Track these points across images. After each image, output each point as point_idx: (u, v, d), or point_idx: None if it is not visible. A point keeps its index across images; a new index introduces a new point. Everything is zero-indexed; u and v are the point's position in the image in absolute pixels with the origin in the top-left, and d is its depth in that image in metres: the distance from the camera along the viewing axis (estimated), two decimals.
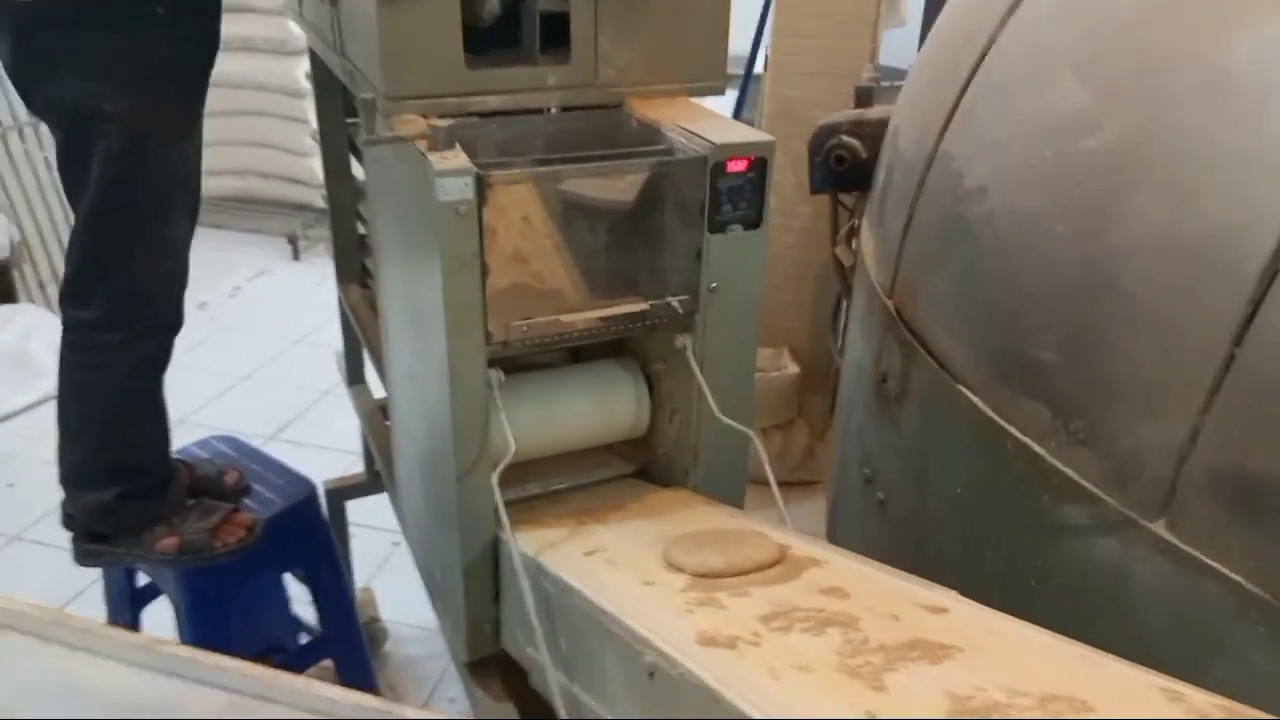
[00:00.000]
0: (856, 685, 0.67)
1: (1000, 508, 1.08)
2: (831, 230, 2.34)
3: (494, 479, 0.99)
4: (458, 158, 0.94)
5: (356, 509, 2.14)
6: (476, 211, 0.93)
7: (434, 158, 0.93)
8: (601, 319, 1.05)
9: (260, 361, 3.31)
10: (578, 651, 0.86)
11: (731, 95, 3.45)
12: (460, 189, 0.92)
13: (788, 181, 2.64)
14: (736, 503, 1.19)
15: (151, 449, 1.33)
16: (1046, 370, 0.99)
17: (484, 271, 0.96)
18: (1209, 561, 0.83)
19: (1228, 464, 0.82)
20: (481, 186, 0.93)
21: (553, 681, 0.86)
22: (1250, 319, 0.79)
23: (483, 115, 1.11)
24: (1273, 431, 0.79)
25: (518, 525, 1.06)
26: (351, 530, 2.21)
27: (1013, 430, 1.02)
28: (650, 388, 1.21)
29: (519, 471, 1.19)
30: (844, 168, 2.09)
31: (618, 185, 1.03)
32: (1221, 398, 0.82)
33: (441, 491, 1.11)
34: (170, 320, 1.30)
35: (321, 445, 2.77)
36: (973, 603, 0.83)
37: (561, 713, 0.85)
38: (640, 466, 1.26)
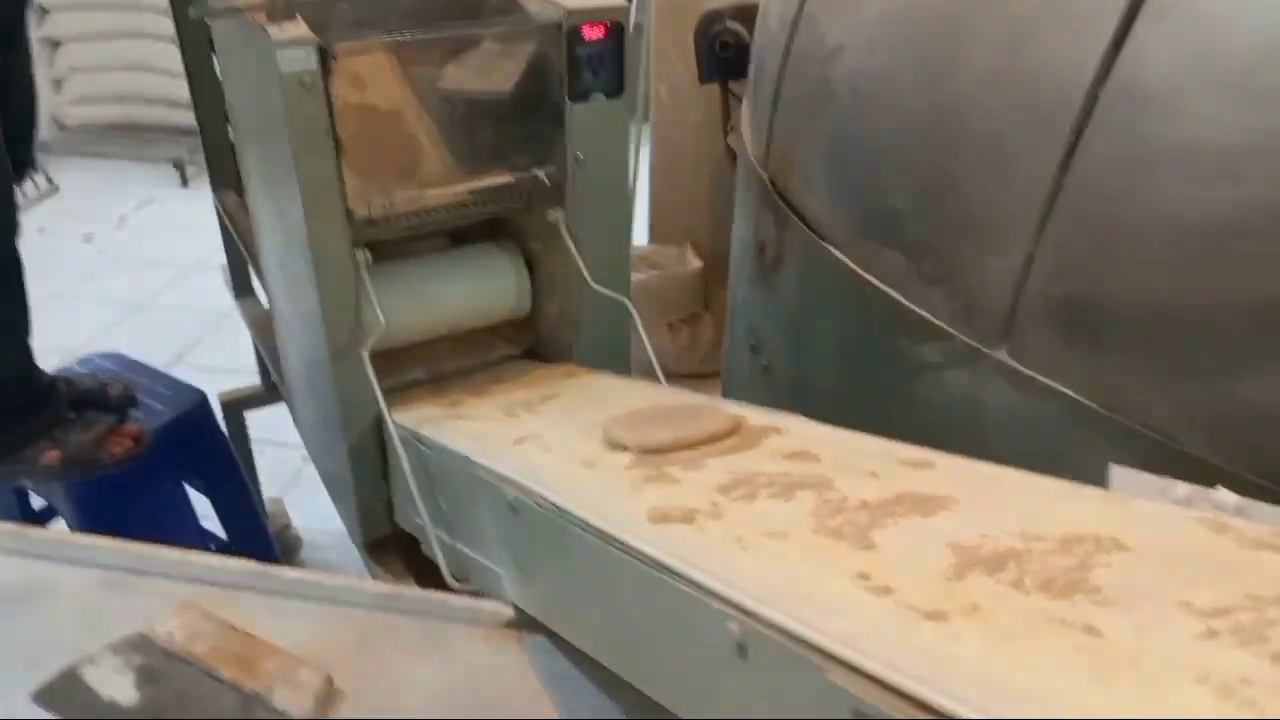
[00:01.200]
0: (840, 546, 0.56)
1: (866, 357, 1.13)
2: (723, 120, 2.35)
3: (364, 354, 0.99)
4: (298, 28, 0.91)
5: (265, 427, 2.13)
6: (322, 83, 0.91)
7: (272, 29, 0.90)
8: (470, 193, 1.05)
9: (153, 290, 3.20)
10: (458, 510, 0.89)
11: None
12: (302, 60, 0.90)
13: (681, 76, 2.62)
14: (621, 374, 1.22)
15: (13, 361, 1.29)
16: (901, 218, 1.03)
17: (338, 147, 0.94)
18: (1047, 382, 0.89)
19: (1058, 289, 0.87)
20: (325, 57, 0.91)
21: (433, 542, 0.89)
22: (1073, 147, 0.83)
23: None
24: (1095, 256, 0.84)
25: (406, 406, 1.08)
26: (262, 448, 2.20)
27: (873, 280, 1.06)
28: (531, 269, 1.22)
29: (404, 357, 1.20)
30: (729, 54, 2.09)
31: (476, 56, 1.02)
32: (1050, 226, 0.86)
33: (320, 378, 1.11)
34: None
35: (223, 368, 2.72)
36: (958, 456, 0.76)
37: (445, 571, 0.88)
38: (528, 346, 1.28)
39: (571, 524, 0.64)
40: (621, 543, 0.56)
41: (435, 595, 0.81)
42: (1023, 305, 0.90)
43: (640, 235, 2.99)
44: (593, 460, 0.77)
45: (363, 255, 1.01)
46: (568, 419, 0.98)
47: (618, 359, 1.22)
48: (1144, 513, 0.60)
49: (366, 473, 1.12)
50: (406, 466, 0.92)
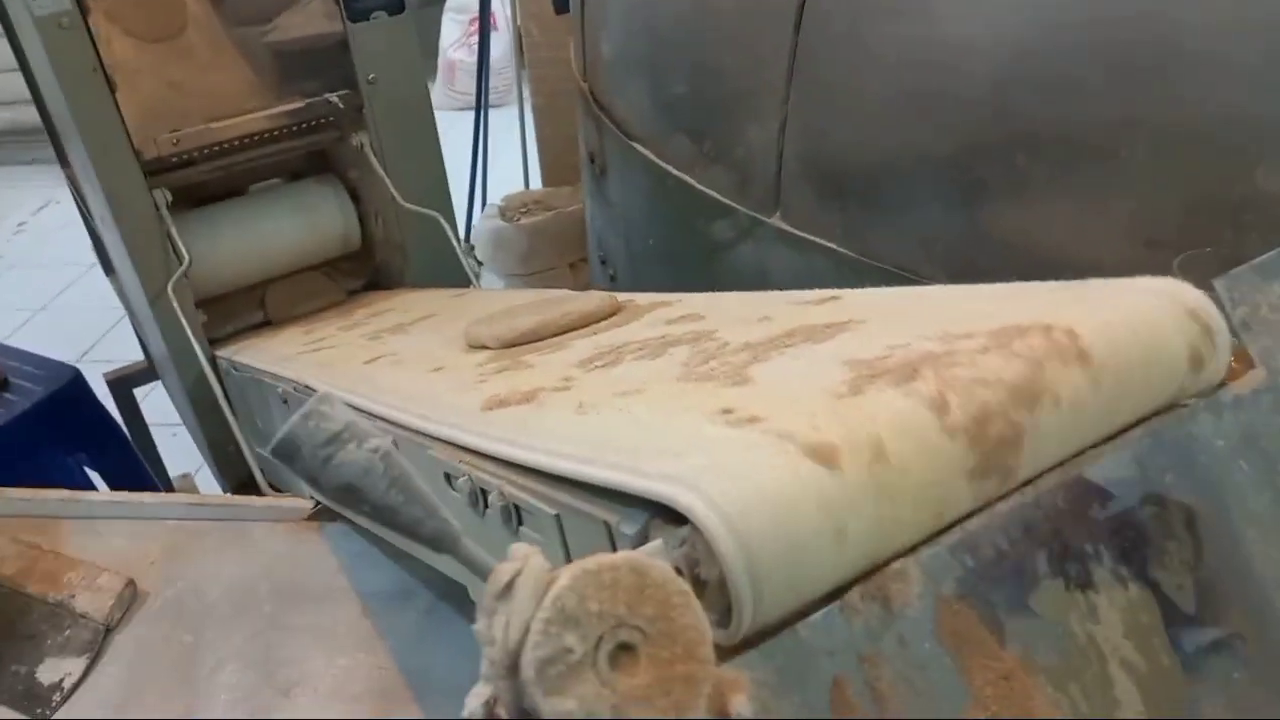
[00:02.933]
0: (706, 387, 0.46)
1: (678, 244, 1.18)
2: None
3: (169, 290, 1.02)
4: None
5: (172, 408, 2.14)
6: (82, 22, 0.92)
7: None
8: (262, 120, 1.07)
9: (55, 290, 3.17)
10: (266, 422, 0.93)
11: None
12: (54, 1, 0.91)
13: (549, 13, 2.62)
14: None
15: None
16: (681, 104, 1.07)
17: (111, 86, 0.96)
18: (814, 239, 0.94)
19: (808, 152, 0.92)
20: None
21: (247, 452, 0.92)
22: (800, 13, 0.87)
23: None
24: (830, 117, 0.89)
25: (264, 345, 1.09)
26: (172, 430, 2.22)
27: (669, 168, 1.10)
28: (357, 200, 1.24)
29: (245, 299, 1.22)
30: None
31: None
32: (793, 94, 0.91)
33: (149, 326, 1.14)
34: None
35: (131, 359, 2.72)
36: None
37: (260, 481, 0.92)
38: (367, 279, 1.31)
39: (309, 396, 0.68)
40: (357, 407, 0.60)
41: (239, 499, 0.85)
42: (785, 172, 0.95)
43: (536, 180, 3.01)
44: (444, 364, 0.71)
45: (160, 194, 1.03)
46: (435, 333, 0.92)
47: (452, 274, 1.25)
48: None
49: (208, 413, 1.15)
50: (217, 390, 0.95)
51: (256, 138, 1.07)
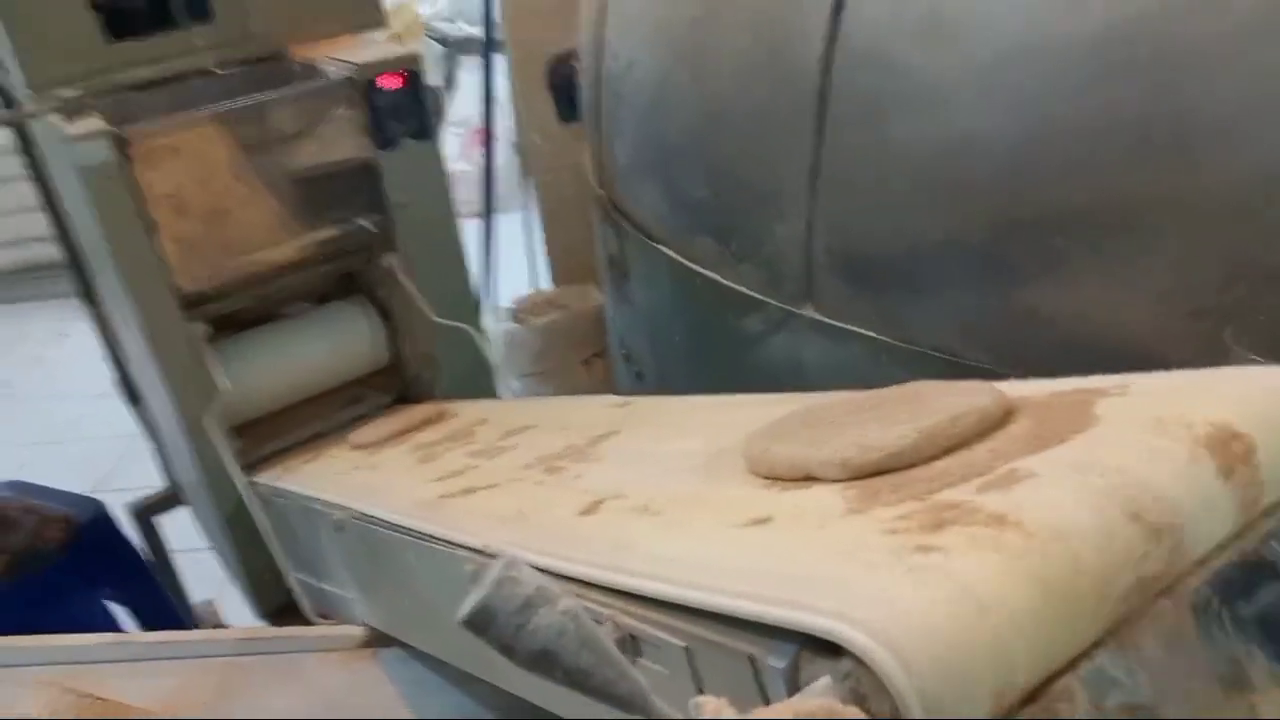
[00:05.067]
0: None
1: (706, 340, 1.19)
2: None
3: (209, 420, 1.02)
4: (92, 122, 0.96)
5: (193, 533, 2.12)
6: (122, 171, 0.95)
7: (68, 126, 0.95)
8: (295, 250, 1.09)
9: (70, 421, 3.18)
10: (312, 549, 0.91)
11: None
12: (98, 152, 0.94)
13: (550, 121, 2.70)
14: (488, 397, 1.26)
15: None
16: (704, 206, 1.09)
17: (151, 228, 0.98)
18: (848, 327, 0.95)
19: (838, 244, 0.93)
20: (122, 145, 0.95)
21: (291, 580, 0.91)
22: (822, 112, 0.90)
23: (139, 88, 1.13)
24: (857, 207, 0.91)
25: (296, 469, 1.09)
26: (192, 554, 2.19)
27: (696, 267, 1.12)
28: (387, 318, 1.26)
29: (280, 421, 1.23)
30: (578, 93, 2.17)
31: (282, 123, 1.06)
32: (819, 188, 0.93)
33: (184, 455, 1.14)
34: None
35: (143, 487, 2.70)
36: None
37: (306, 608, 0.91)
38: (399, 394, 1.31)
39: (374, 525, 0.67)
40: (389, 522, 0.59)
41: (288, 631, 0.83)
42: (815, 264, 0.97)
43: (546, 280, 3.05)
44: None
45: (199, 328, 1.05)
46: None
47: (482, 385, 1.26)
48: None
49: (245, 539, 1.14)
50: (258, 516, 0.94)
51: (291, 267, 1.09)
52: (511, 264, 3.16)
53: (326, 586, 0.89)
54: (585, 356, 2.91)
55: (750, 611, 0.29)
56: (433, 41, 3.74)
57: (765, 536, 0.37)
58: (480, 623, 0.28)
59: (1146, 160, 0.78)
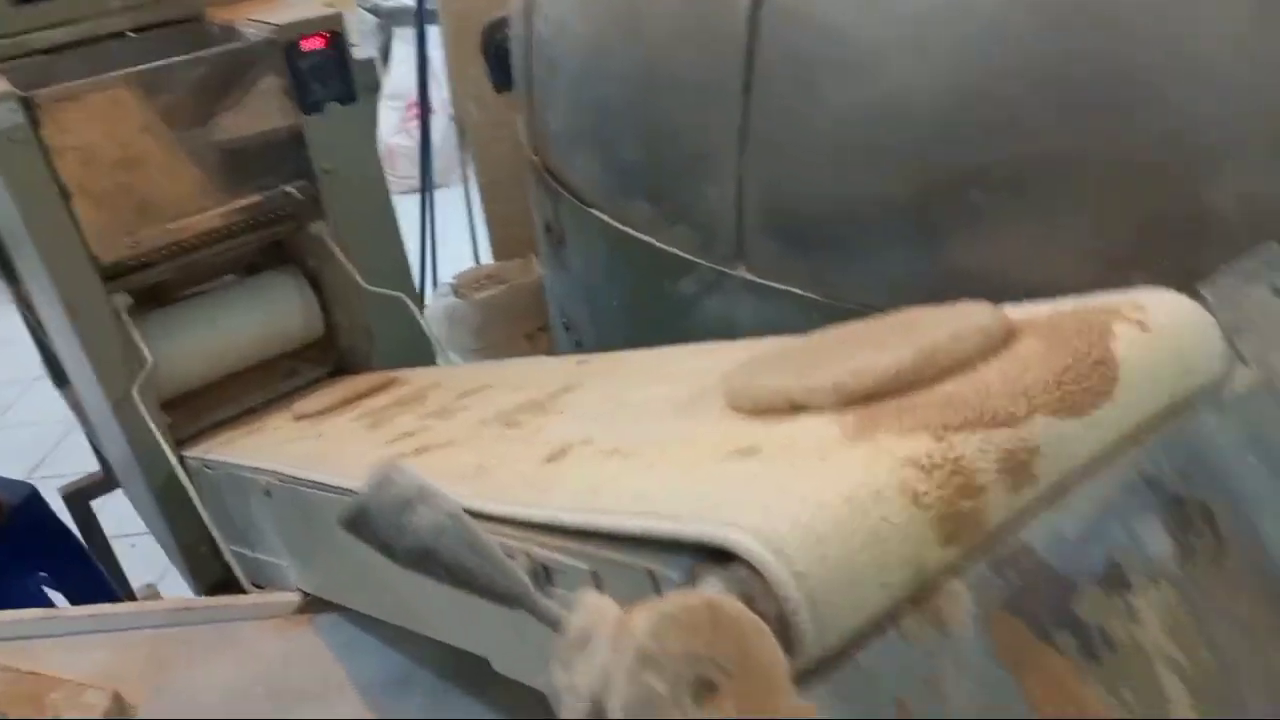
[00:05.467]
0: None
1: (643, 306, 1.19)
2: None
3: (134, 393, 1.00)
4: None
5: (133, 519, 2.08)
6: (33, 135, 0.92)
7: None
8: (218, 218, 1.07)
9: (3, 405, 3.09)
10: (245, 518, 0.90)
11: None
12: (6, 115, 0.91)
13: (486, 90, 2.67)
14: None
15: None
16: (637, 169, 1.09)
17: (65, 194, 0.95)
18: (779, 286, 0.96)
19: (767, 203, 0.94)
20: (30, 109, 0.92)
21: (227, 553, 0.90)
22: (749, 72, 0.90)
23: (50, 52, 1.09)
24: (786, 166, 0.91)
25: (229, 442, 1.07)
26: (130, 540, 2.15)
27: (631, 231, 1.12)
28: (318, 288, 1.24)
29: (214, 395, 1.20)
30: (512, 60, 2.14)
31: (198, 86, 1.04)
32: (748, 148, 0.93)
33: (114, 432, 1.11)
34: None
35: (82, 471, 2.64)
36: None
37: (243, 581, 0.90)
38: (335, 366, 1.30)
39: (302, 487, 0.67)
40: (315, 482, 0.59)
41: (222, 600, 0.83)
42: (746, 225, 0.97)
43: (485, 256, 3.02)
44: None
45: (121, 299, 1.02)
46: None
47: (419, 354, 1.25)
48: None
49: (179, 516, 1.12)
50: (190, 490, 0.93)
51: (215, 235, 1.07)
52: (453, 240, 3.12)
53: (261, 556, 0.88)
54: (528, 330, 2.90)
55: (642, 528, 0.29)
56: (365, 13, 3.67)
57: (751, 468, 0.34)
58: (359, 524, 0.28)
59: (1070, 118, 0.80)
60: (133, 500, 1.41)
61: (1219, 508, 0.35)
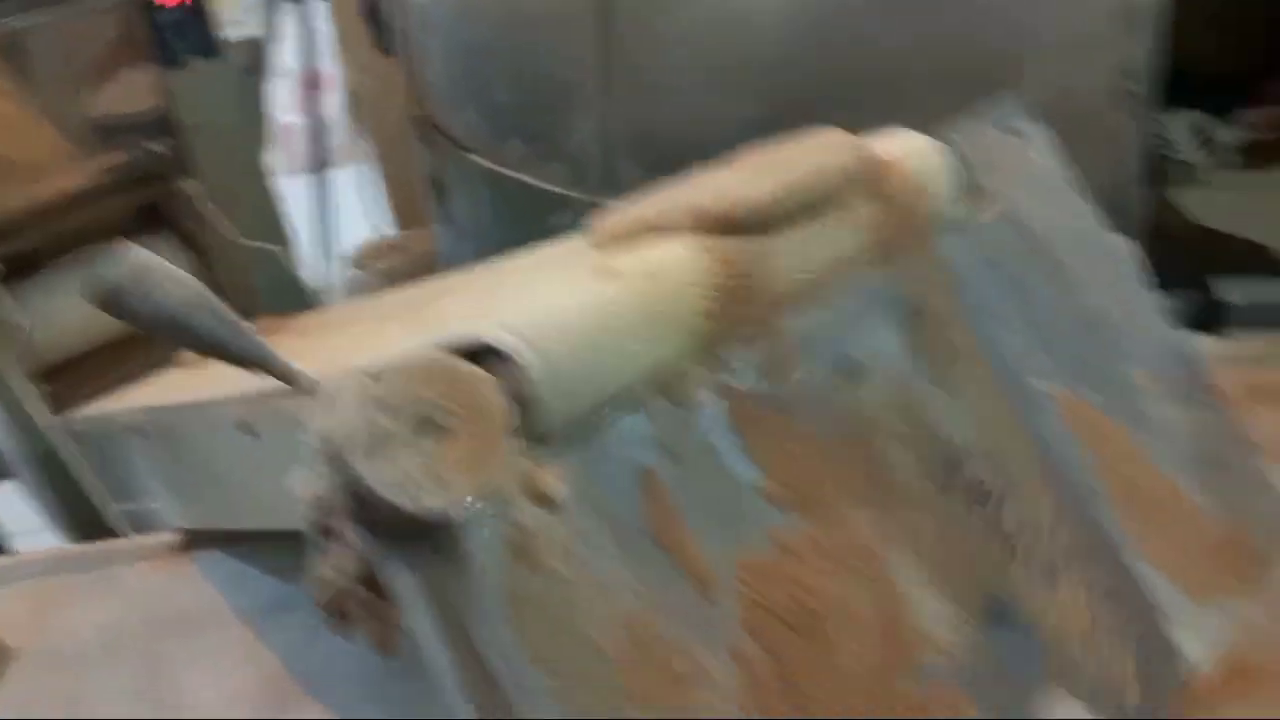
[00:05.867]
0: None
1: (520, 243, 1.21)
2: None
3: (6, 362, 0.99)
4: None
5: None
6: None
7: None
8: (83, 177, 1.06)
9: None
10: (119, 470, 0.90)
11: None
12: None
13: (377, 58, 2.64)
14: None
15: None
16: (510, 109, 1.11)
17: None
18: None
19: (634, 132, 0.98)
20: None
21: (111, 512, 0.90)
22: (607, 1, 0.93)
23: None
24: (651, 93, 0.95)
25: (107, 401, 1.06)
26: (39, 535, 2.09)
27: (508, 172, 1.14)
28: (197, 250, 1.23)
29: (94, 363, 1.19)
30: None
31: (55, 44, 1.02)
32: (612, 76, 0.96)
33: None
34: None
35: None
36: None
37: (130, 534, 0.90)
38: None
39: (168, 416, 0.68)
40: (177, 405, 0.60)
41: (101, 545, 0.83)
42: (613, 155, 1.00)
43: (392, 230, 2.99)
44: None
45: None
46: None
47: (303, 305, 1.24)
48: None
49: (61, 484, 1.11)
50: (69, 453, 0.93)
51: (81, 196, 1.06)
52: (355, 217, 3.08)
53: (142, 506, 0.89)
54: None
55: (416, 346, 0.32)
56: None
57: (604, 290, 0.36)
58: (112, 301, 0.31)
59: (902, 31, 0.85)
60: (13, 472, 1.38)
61: (956, 318, 0.40)
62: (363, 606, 0.29)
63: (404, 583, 0.28)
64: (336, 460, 0.23)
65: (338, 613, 0.30)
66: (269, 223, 1.18)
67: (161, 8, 1.05)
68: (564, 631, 0.30)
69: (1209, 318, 0.93)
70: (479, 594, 0.28)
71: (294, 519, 0.57)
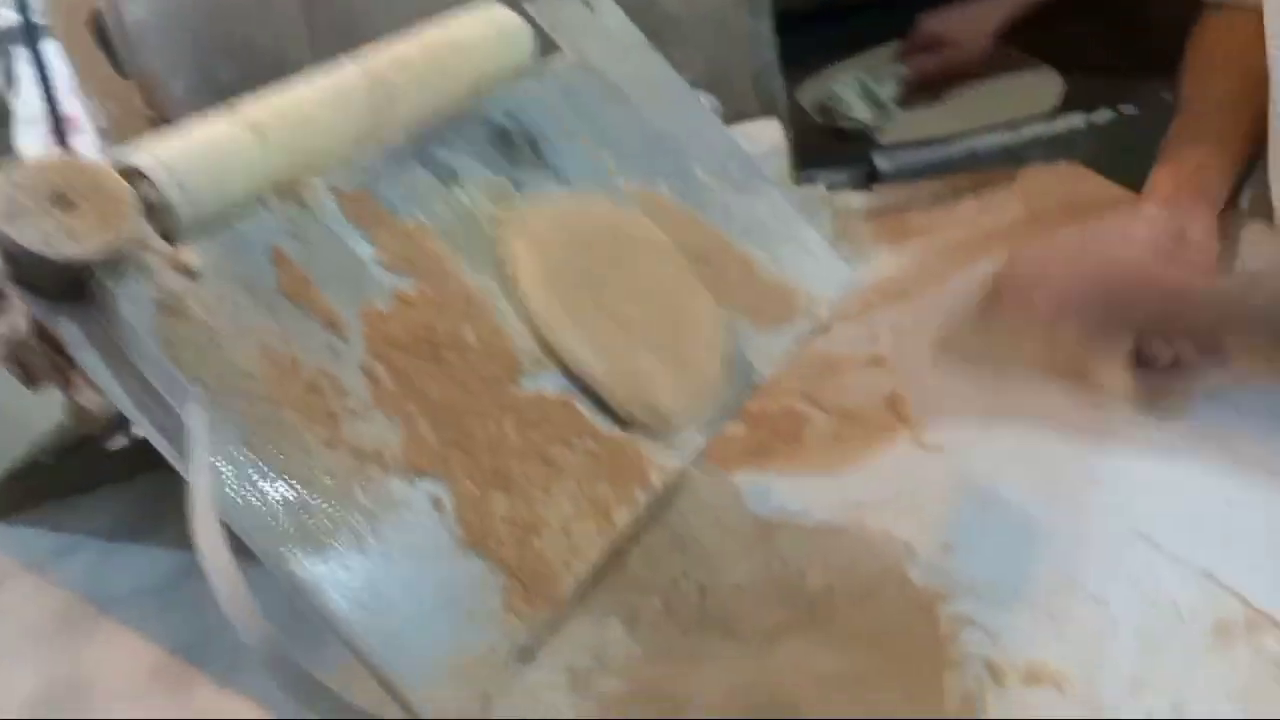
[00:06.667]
0: None
1: None
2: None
3: None
4: None
5: None
6: None
7: None
8: None
9: None
10: None
11: None
12: None
13: (118, 87, 2.58)
14: None
15: None
16: (232, 87, 1.15)
17: None
18: None
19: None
20: None
21: None
22: None
23: None
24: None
25: None
26: None
27: None
28: None
29: None
30: None
31: None
32: (315, 37, 1.04)
33: None
34: None
35: None
36: None
37: None
38: None
39: None
40: None
41: None
42: None
43: None
44: None
45: None
46: None
47: None
48: None
49: None
50: None
51: None
52: None
53: None
54: None
55: None
56: None
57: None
58: None
59: None
60: None
61: (538, 139, 0.53)
62: (42, 357, 0.38)
63: (70, 332, 0.37)
64: None
65: (20, 366, 0.39)
66: None
67: None
68: (213, 360, 0.40)
69: (869, 181, 1.14)
70: (134, 337, 0.38)
71: None
